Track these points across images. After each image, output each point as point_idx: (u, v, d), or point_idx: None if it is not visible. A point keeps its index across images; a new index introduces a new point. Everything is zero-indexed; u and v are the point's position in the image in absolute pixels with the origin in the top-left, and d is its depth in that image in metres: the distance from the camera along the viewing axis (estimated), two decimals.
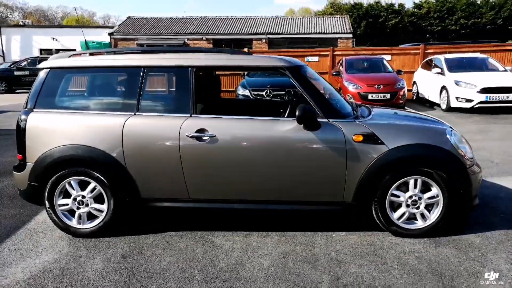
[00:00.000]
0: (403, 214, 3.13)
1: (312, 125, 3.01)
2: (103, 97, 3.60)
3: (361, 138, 3.01)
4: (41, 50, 28.21)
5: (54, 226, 3.42)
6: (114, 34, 25.51)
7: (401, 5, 32.56)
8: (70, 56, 3.44)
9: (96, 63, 3.33)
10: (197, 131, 3.06)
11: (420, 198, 3.09)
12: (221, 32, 25.52)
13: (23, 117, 3.25)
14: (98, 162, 3.13)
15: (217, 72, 4.90)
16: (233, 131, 3.10)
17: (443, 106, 10.40)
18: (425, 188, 3.10)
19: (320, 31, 24.61)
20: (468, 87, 9.70)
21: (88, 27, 30.17)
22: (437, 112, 10.26)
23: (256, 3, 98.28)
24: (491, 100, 9.45)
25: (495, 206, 3.75)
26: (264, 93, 9.24)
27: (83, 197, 3.22)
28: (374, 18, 31.94)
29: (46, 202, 3.23)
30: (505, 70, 10.44)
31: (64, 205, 3.24)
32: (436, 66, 11.18)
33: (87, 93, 3.70)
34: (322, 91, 3.33)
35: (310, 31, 24.75)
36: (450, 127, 3.39)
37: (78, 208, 3.24)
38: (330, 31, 24.49)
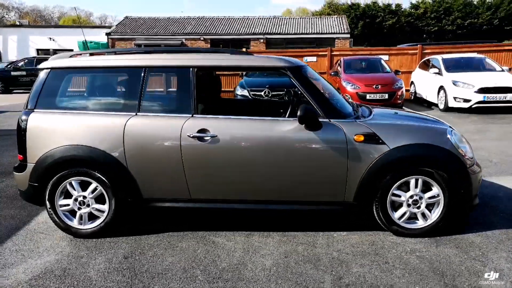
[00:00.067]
0: (404, 213, 3.14)
1: (313, 125, 3.02)
2: (104, 97, 3.60)
3: (362, 138, 3.02)
4: (38, 50, 28.14)
5: (54, 226, 3.41)
6: (112, 34, 25.46)
7: (398, 6, 32.68)
8: (70, 56, 3.44)
9: (97, 63, 3.32)
10: (199, 131, 3.07)
11: (421, 198, 3.10)
12: (219, 32, 25.52)
13: (23, 117, 3.24)
14: (99, 162, 3.13)
15: (216, 72, 4.90)
16: (235, 131, 3.10)
17: (441, 106, 10.44)
18: (426, 187, 3.11)
19: (318, 31, 24.65)
20: (465, 87, 9.75)
21: (85, 27, 30.09)
22: (435, 112, 10.30)
23: (253, 3, 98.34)
24: (489, 100, 9.50)
25: (494, 206, 3.77)
26: (262, 93, 9.25)
27: (84, 197, 3.21)
28: (371, 18, 32.03)
29: (47, 202, 3.22)
30: (502, 70, 10.49)
31: (65, 205, 3.23)
32: (433, 66, 11.22)
33: (88, 93, 3.70)
34: (323, 91, 3.34)
35: (308, 31, 24.79)
36: (450, 126, 3.40)
37: (79, 209, 3.24)
38: (328, 31, 24.53)
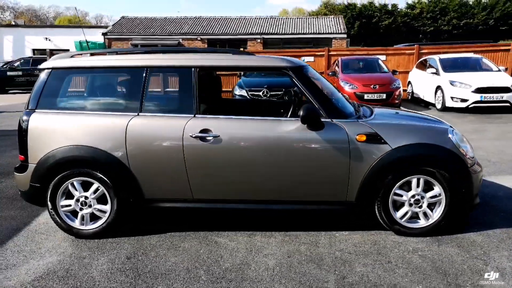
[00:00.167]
0: (406, 213, 3.16)
1: (315, 125, 3.03)
2: (105, 97, 3.59)
3: (364, 138, 3.03)
4: (34, 50, 27.98)
5: (56, 227, 3.40)
6: (108, 34, 25.36)
7: (394, 6, 32.75)
8: (71, 57, 3.42)
9: (98, 63, 3.31)
10: (201, 131, 3.06)
11: (422, 197, 3.12)
12: (216, 32, 25.48)
13: (24, 117, 3.23)
14: (101, 162, 3.12)
15: (216, 73, 4.89)
16: (237, 131, 3.10)
17: (438, 106, 10.49)
18: (428, 187, 3.12)
19: (315, 31, 24.67)
20: (463, 87, 9.80)
21: (81, 27, 29.95)
22: (432, 111, 10.34)
23: (249, 4, 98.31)
24: (486, 100, 9.56)
25: (494, 205, 3.80)
26: (261, 93, 9.25)
27: (86, 198, 3.20)
28: (367, 18, 32.08)
29: (49, 203, 3.21)
30: (499, 70, 10.56)
31: (66, 206, 3.23)
32: (431, 66, 11.27)
33: (89, 94, 3.69)
34: (324, 91, 3.34)
35: (305, 31, 24.80)
36: (451, 126, 3.42)
37: (81, 209, 3.23)
38: (325, 31, 24.55)
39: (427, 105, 11.50)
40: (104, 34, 25.29)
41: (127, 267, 2.82)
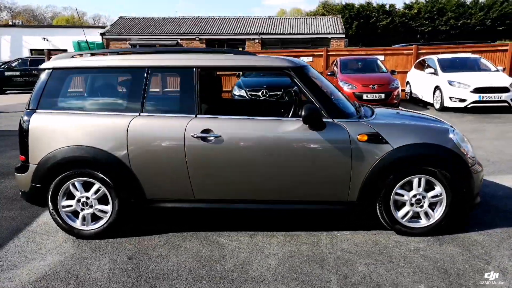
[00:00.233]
0: (407, 212, 3.16)
1: (317, 125, 3.03)
2: (106, 97, 3.58)
3: (366, 137, 3.03)
4: (31, 50, 27.92)
5: (56, 227, 3.39)
6: (106, 34, 25.33)
7: (392, 6, 32.88)
8: (72, 57, 3.42)
9: (100, 63, 3.31)
10: (203, 132, 3.06)
11: (424, 197, 3.12)
12: (214, 32, 25.49)
13: (25, 118, 3.21)
14: (102, 163, 3.11)
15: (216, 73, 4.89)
16: (238, 132, 3.10)
17: (437, 106, 10.51)
18: (429, 187, 3.13)
19: (313, 32, 24.71)
20: (461, 87, 9.83)
21: (79, 27, 29.88)
22: (431, 111, 10.36)
23: (247, 4, 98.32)
24: (484, 99, 9.59)
25: (495, 204, 3.81)
26: (260, 93, 9.25)
27: (87, 198, 3.20)
28: (365, 18, 32.18)
29: (50, 203, 3.20)
30: (497, 70, 10.59)
31: (68, 206, 3.22)
32: (429, 66, 11.30)
33: (90, 94, 3.67)
34: (325, 91, 3.34)
35: (303, 32, 24.84)
36: (451, 126, 3.43)
37: (82, 210, 3.22)
38: (323, 32, 24.60)
39: (425, 105, 11.52)
40: (102, 34, 25.26)
41: (129, 268, 2.82)
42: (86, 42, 4.73)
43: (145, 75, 3.21)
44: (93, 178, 3.16)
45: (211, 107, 3.51)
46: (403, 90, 12.35)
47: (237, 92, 9.60)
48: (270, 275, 2.68)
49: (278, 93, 9.05)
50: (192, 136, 3.06)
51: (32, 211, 3.87)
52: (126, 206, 3.19)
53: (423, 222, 3.17)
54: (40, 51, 25.68)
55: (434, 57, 11.36)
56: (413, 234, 3.18)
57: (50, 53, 15.18)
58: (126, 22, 27.31)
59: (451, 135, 3.17)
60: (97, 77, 3.66)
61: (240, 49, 14.77)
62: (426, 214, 3.17)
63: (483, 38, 25.38)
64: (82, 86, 3.80)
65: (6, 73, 18.71)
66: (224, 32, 25.48)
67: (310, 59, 14.29)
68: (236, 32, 25.33)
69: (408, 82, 12.82)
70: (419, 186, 3.11)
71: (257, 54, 3.52)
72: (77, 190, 3.19)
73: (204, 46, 24.69)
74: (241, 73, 11.19)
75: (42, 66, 3.36)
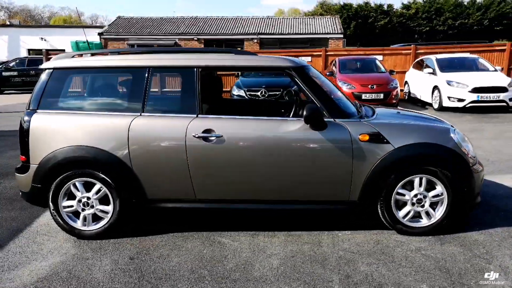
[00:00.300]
0: (408, 212, 3.17)
1: (319, 125, 3.03)
2: (107, 97, 3.57)
3: (367, 137, 3.04)
4: (29, 50, 27.82)
5: (57, 228, 3.39)
6: (104, 34, 25.26)
7: (390, 6, 32.89)
8: (73, 57, 3.41)
9: (101, 63, 3.30)
10: (204, 132, 3.06)
11: (425, 197, 3.13)
12: (212, 32, 25.46)
13: (26, 118, 3.20)
14: (103, 163, 3.11)
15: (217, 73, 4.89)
16: (240, 132, 3.10)
17: (435, 106, 10.54)
18: (430, 186, 3.14)
19: (311, 32, 24.72)
20: (460, 86, 9.85)
21: (77, 27, 29.83)
22: (429, 111, 10.37)
23: (244, 4, 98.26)
24: (483, 99, 9.62)
25: (495, 204, 3.82)
26: (259, 93, 9.24)
27: (88, 198, 3.19)
28: (363, 18, 32.20)
29: (51, 204, 3.19)
30: (495, 70, 10.63)
31: (68, 207, 3.21)
32: (427, 66, 11.32)
33: (91, 94, 3.67)
34: (326, 91, 3.34)
35: (301, 32, 24.84)
36: (452, 126, 3.44)
37: (83, 210, 3.21)
38: (321, 32, 24.60)
39: (424, 105, 11.55)
40: (100, 34, 25.19)
41: (131, 268, 2.81)
42: (87, 42, 4.72)
43: (146, 75, 3.20)
44: (94, 178, 3.15)
45: (212, 107, 3.51)
46: (401, 90, 12.36)
47: (236, 92, 9.59)
48: (272, 275, 2.68)
49: (277, 93, 9.05)
50: (194, 136, 3.05)
51: (32, 212, 3.86)
52: (127, 206, 3.19)
53: (424, 222, 3.18)
54: (38, 51, 25.59)
55: (433, 57, 11.39)
56: (414, 233, 3.18)
57: (48, 53, 15.15)
58: (124, 22, 27.26)
59: (452, 135, 3.18)
60: (98, 77, 3.65)
61: (239, 49, 14.75)
62: (427, 213, 3.17)
63: (481, 38, 25.46)
64: (82, 86, 3.79)
65: (4, 73, 18.63)
66: (222, 32, 25.46)
67: (308, 59, 14.29)
68: (234, 32, 25.31)
69: (406, 82, 12.84)
70: (420, 185, 3.11)
71: (258, 54, 3.52)
72: (78, 190, 3.18)
73: (202, 46, 24.66)
74: (239, 73, 11.19)
75: (43, 66, 3.35)
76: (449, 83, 10.06)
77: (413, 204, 3.15)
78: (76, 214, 3.25)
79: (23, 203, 3.97)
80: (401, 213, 3.17)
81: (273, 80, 9.69)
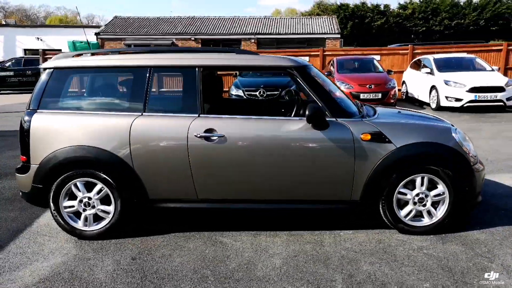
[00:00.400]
0: (410, 211, 3.17)
1: (321, 124, 3.03)
2: (108, 97, 3.56)
3: (369, 137, 3.04)
4: (25, 50, 27.68)
5: (58, 228, 3.37)
6: (101, 34, 25.18)
7: (386, 6, 32.96)
8: (73, 56, 3.39)
9: (101, 63, 3.28)
10: (206, 131, 3.05)
11: (426, 196, 3.13)
12: (210, 32, 25.43)
13: (26, 118, 3.18)
14: (104, 163, 3.09)
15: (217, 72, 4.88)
16: (242, 131, 3.10)
17: (433, 105, 10.58)
18: (431, 185, 3.14)
19: (309, 32, 24.74)
20: (457, 86, 9.90)
21: (73, 27, 29.72)
22: (427, 111, 10.39)
23: (242, 4, 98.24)
24: (480, 99, 9.67)
25: (495, 203, 3.84)
26: (257, 93, 9.23)
27: (90, 198, 3.17)
28: (360, 18, 32.24)
29: (52, 204, 3.17)
30: (493, 70, 10.68)
31: (69, 207, 3.19)
32: (425, 66, 11.36)
33: (92, 94, 3.65)
34: (328, 91, 3.34)
35: (299, 32, 24.85)
36: (452, 125, 3.45)
37: (84, 210, 3.20)
38: (318, 32, 24.64)
39: (421, 104, 11.58)
40: (97, 34, 25.10)
41: (133, 268, 2.80)
42: (87, 42, 4.69)
43: (148, 74, 3.19)
44: (95, 179, 3.14)
45: (213, 107, 3.50)
46: (399, 90, 12.41)
47: (234, 92, 9.58)
48: (275, 275, 2.68)
49: (275, 93, 9.04)
50: (195, 135, 3.05)
51: (32, 212, 3.84)
52: (129, 206, 3.18)
53: (426, 221, 3.19)
54: (34, 51, 25.46)
55: (430, 57, 11.43)
56: (416, 232, 3.19)
57: (45, 53, 15.09)
58: (121, 22, 27.18)
59: (453, 134, 3.19)
60: (99, 76, 3.64)
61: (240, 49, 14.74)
62: (429, 212, 3.18)
63: (477, 38, 25.55)
64: (83, 86, 3.77)
65: (0, 73, 18.53)
66: (219, 32, 25.43)
67: (306, 59, 14.30)
68: (231, 32, 25.29)
69: (404, 82, 12.88)
70: (422, 185, 3.12)
71: (258, 53, 3.52)
72: (79, 190, 3.17)
73: (200, 46, 24.63)
74: (237, 73, 11.17)
75: (43, 65, 3.33)
76: (446, 82, 10.10)
77: (414, 203, 3.15)
78: (77, 214, 3.23)
79: (23, 203, 3.95)
80: (403, 212, 3.18)
81: (271, 80, 9.69)
